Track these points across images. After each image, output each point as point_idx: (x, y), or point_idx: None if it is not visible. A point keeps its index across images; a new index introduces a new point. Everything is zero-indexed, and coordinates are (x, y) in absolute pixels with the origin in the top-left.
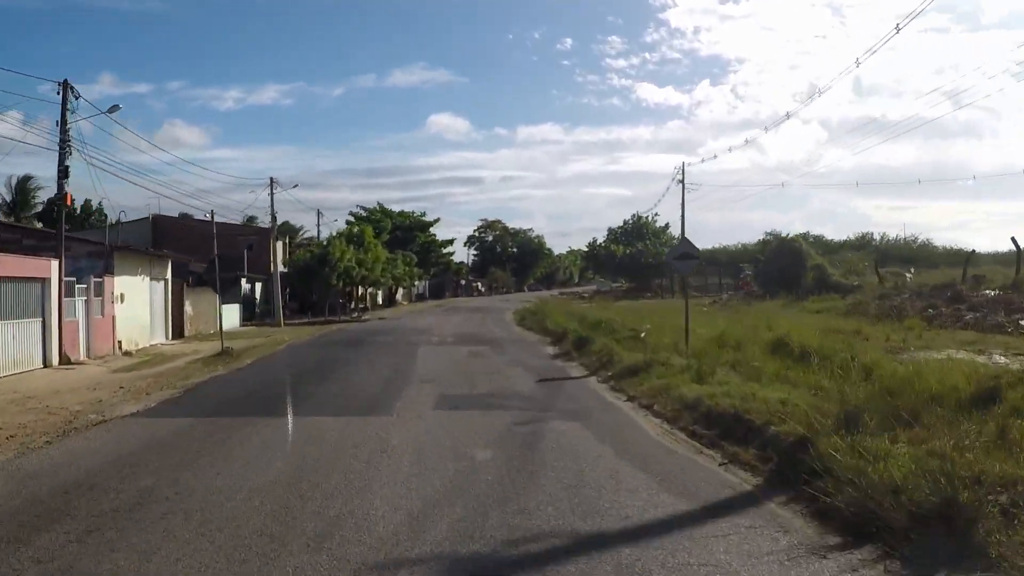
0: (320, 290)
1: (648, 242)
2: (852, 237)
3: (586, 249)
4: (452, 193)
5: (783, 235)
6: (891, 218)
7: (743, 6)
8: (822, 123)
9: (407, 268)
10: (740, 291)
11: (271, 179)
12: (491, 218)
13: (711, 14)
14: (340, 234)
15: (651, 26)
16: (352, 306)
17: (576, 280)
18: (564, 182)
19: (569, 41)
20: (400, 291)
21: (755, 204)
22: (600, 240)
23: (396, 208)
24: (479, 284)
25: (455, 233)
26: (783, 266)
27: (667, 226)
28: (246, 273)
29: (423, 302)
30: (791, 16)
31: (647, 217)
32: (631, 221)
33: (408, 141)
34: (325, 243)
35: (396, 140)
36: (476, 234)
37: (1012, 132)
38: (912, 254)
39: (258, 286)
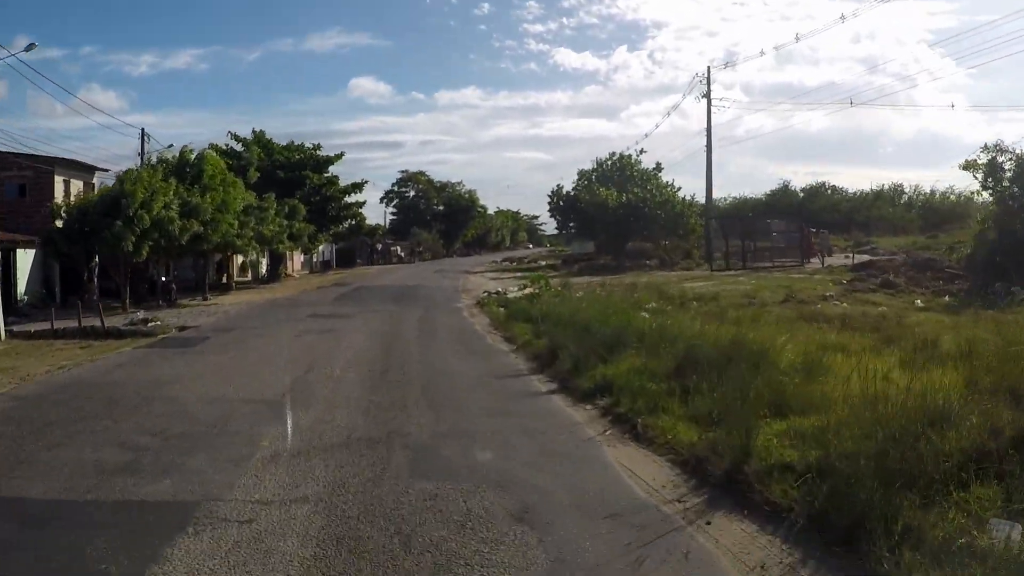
0: (112, 260)
1: (642, 189)
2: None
3: (550, 198)
4: (370, 158)
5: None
6: (808, 183)
7: None
8: (743, 88)
9: (293, 224)
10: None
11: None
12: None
13: None
14: (155, 163)
15: None
16: (206, 281)
17: (508, 243)
18: (484, 147)
19: (487, 6)
20: (297, 259)
21: (676, 169)
22: (568, 187)
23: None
24: (399, 249)
25: (372, 198)
26: None
27: (659, 167)
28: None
29: (326, 273)
30: None
31: (632, 155)
32: (608, 161)
33: (328, 106)
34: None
35: (315, 105)
36: (395, 188)
37: (927, 100)
38: None
39: (25, 257)
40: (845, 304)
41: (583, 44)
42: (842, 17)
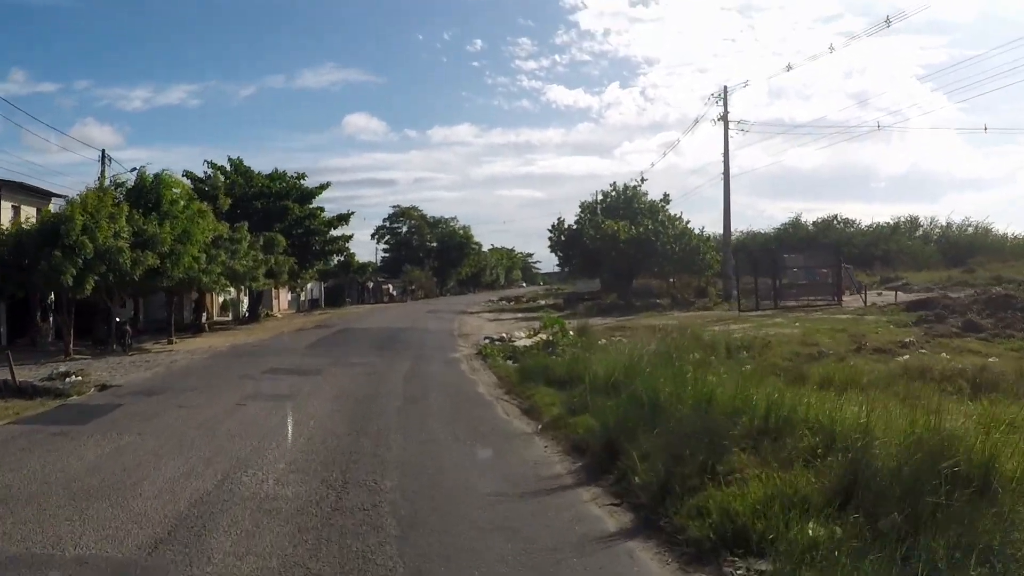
0: (62, 295)
1: (653, 221)
2: None
3: (550, 232)
4: (364, 195)
5: None
6: (819, 217)
7: (653, 9)
8: (735, 124)
9: (271, 258)
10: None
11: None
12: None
13: (621, 16)
14: (109, 187)
15: (561, 28)
16: (171, 322)
17: (502, 282)
18: (477, 184)
19: (479, 42)
20: (284, 297)
21: (674, 206)
22: (570, 221)
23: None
24: (391, 287)
25: (363, 236)
26: None
27: (667, 199)
28: None
29: (312, 313)
30: (700, 19)
31: (635, 186)
32: (613, 193)
33: (321, 142)
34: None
35: (309, 141)
36: (387, 224)
37: (918, 135)
38: None
39: None
40: (944, 355)
41: (575, 81)
42: (831, 48)
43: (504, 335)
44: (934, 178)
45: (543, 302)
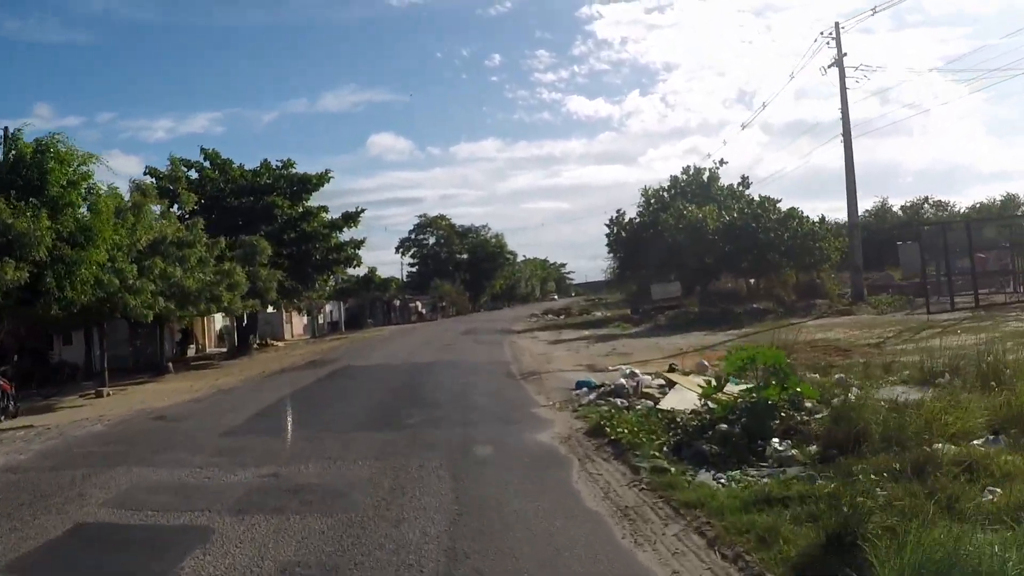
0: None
1: (746, 205)
2: None
3: (608, 227)
4: (389, 215)
5: None
6: (908, 201)
7: (669, 15)
8: (763, 128)
9: (256, 271)
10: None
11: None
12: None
13: (637, 24)
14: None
15: (578, 38)
16: (104, 361)
17: (537, 294)
18: (502, 198)
19: (497, 57)
20: (298, 321)
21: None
22: (631, 215)
23: None
24: (419, 304)
25: (387, 255)
26: None
27: (745, 183)
28: None
29: (324, 339)
30: (717, 23)
31: (712, 169)
32: (684, 177)
33: (345, 164)
34: None
35: (332, 163)
36: (412, 236)
37: (940, 128)
38: None
39: None
40: None
41: (595, 91)
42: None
43: (615, 376)
44: (960, 171)
45: (599, 313)
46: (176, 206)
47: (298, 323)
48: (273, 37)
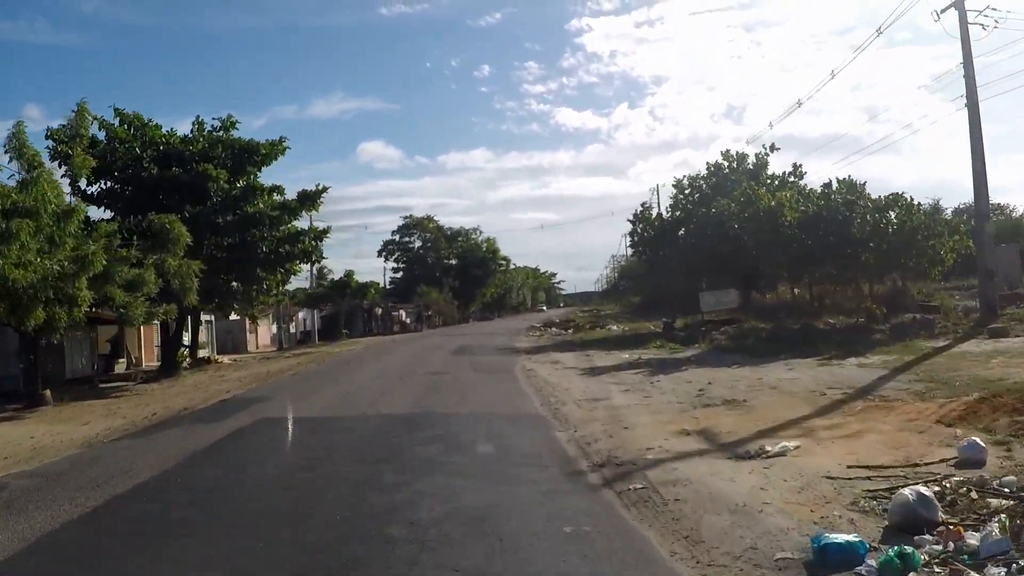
0: None
1: (835, 192)
2: None
3: (632, 223)
4: (379, 222)
5: None
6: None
7: (659, 29)
8: (751, 142)
9: (162, 259)
10: None
11: None
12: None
13: (627, 38)
14: None
15: (567, 51)
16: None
17: (528, 304)
18: (491, 208)
19: (487, 68)
20: (266, 330)
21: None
22: (664, 205)
23: None
24: (403, 313)
25: (371, 265)
26: None
27: (798, 172)
28: None
29: (284, 355)
30: (706, 39)
31: (762, 151)
32: (726, 164)
33: (334, 171)
34: None
35: (321, 170)
36: (396, 239)
37: (928, 147)
38: None
39: None
40: None
41: (584, 103)
42: (831, 74)
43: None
44: (946, 188)
45: (615, 328)
46: (65, 170)
47: (265, 333)
48: (264, 43)
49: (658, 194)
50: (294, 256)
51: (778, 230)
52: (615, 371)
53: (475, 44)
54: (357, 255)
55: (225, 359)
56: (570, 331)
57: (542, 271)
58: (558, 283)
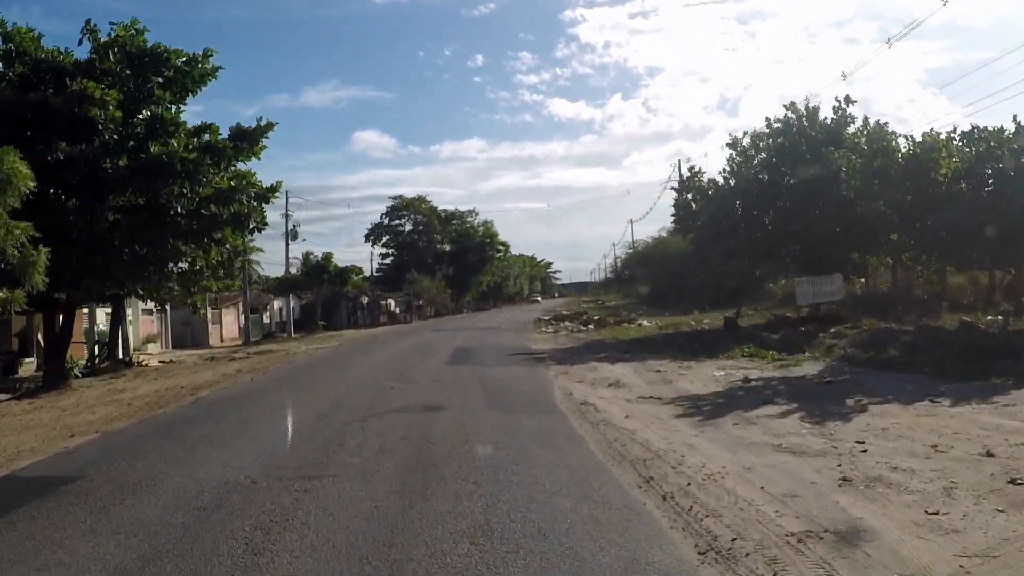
0: None
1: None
2: None
3: (676, 191)
4: (369, 212)
5: None
6: None
7: (653, 20)
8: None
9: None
10: None
11: None
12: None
13: (621, 29)
14: None
15: (561, 41)
16: None
17: (525, 293)
18: (483, 198)
19: (480, 58)
20: (231, 320)
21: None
22: (699, 165)
23: None
24: (392, 302)
25: (359, 254)
26: None
27: (884, 130)
28: None
29: (255, 348)
30: (701, 30)
31: (837, 104)
32: (793, 118)
33: (327, 160)
34: None
35: (314, 159)
36: (385, 222)
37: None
38: None
39: None
40: None
41: (577, 94)
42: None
43: None
44: None
45: (645, 323)
46: None
47: (233, 324)
48: (256, 31)
49: (737, 146)
50: (224, 222)
51: (925, 191)
52: (738, 410)
53: (468, 34)
54: (349, 244)
55: (155, 360)
56: (591, 326)
57: (540, 260)
58: (554, 272)
